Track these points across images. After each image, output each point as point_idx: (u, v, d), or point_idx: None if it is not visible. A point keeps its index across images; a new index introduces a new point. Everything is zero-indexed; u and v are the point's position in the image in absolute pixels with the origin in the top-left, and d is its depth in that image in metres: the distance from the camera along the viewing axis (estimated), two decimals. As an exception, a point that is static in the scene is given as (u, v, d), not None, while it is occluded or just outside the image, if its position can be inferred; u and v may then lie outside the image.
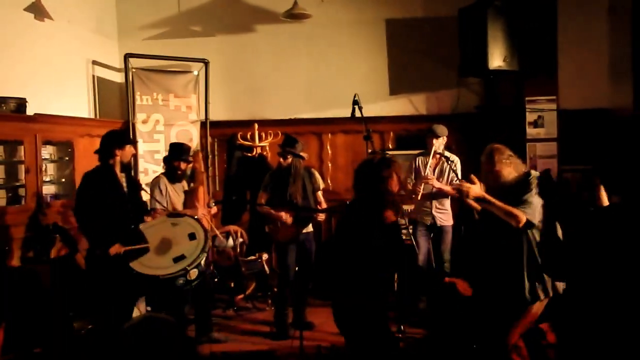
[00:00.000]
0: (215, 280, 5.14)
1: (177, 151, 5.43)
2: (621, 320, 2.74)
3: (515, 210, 3.59)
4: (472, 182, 3.75)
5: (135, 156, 6.75)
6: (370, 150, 5.38)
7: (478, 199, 3.73)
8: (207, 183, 6.47)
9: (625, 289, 2.75)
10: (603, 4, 6.23)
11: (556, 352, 4.15)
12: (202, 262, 4.77)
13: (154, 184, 5.39)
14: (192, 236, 4.83)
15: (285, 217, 5.35)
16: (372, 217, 3.39)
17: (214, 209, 5.65)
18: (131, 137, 5.03)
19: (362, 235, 3.39)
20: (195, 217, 5.03)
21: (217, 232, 6.19)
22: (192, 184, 5.55)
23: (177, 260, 4.66)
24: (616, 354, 2.74)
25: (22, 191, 5.68)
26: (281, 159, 5.44)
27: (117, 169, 4.76)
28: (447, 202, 5.76)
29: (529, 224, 3.58)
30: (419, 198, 5.55)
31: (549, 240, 3.32)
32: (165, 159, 5.50)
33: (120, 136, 4.91)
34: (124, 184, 4.81)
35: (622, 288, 2.76)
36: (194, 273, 4.71)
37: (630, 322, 2.71)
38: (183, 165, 5.38)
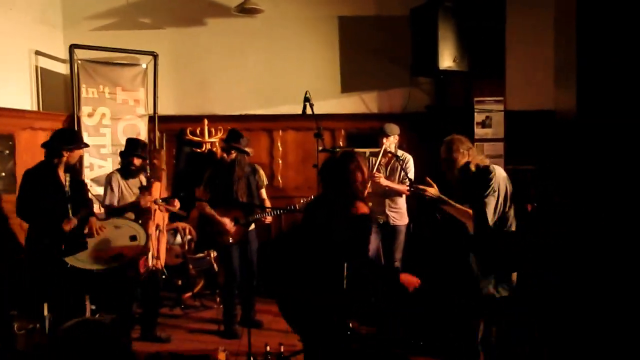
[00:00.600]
0: (164, 277, 5.08)
1: (130, 146, 5.32)
2: (578, 311, 2.82)
3: (466, 209, 3.68)
4: (429, 184, 3.84)
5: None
6: (320, 148, 5.38)
7: (435, 200, 3.81)
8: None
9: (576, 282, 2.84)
10: (550, 8, 6.37)
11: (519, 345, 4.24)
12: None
13: (107, 180, 5.28)
14: (133, 238, 4.83)
15: (230, 225, 5.28)
16: (337, 210, 3.39)
17: (177, 204, 5.47)
18: (82, 139, 4.91)
19: (325, 230, 3.38)
20: (144, 207, 4.97)
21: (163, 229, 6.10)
22: (152, 180, 5.44)
23: (115, 259, 4.70)
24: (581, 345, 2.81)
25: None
26: (224, 154, 5.35)
27: (61, 169, 4.65)
28: (401, 201, 5.78)
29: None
30: (364, 195, 5.55)
31: (499, 235, 3.40)
32: (120, 154, 5.40)
33: (71, 138, 4.76)
34: (67, 184, 4.67)
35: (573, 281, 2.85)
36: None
37: (586, 313, 2.79)
38: (137, 161, 5.26)
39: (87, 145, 5.12)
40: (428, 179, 3.90)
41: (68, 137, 4.72)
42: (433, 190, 3.83)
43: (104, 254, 4.72)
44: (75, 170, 4.88)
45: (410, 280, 3.48)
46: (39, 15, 6.81)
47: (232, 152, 5.28)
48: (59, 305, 4.67)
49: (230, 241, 5.25)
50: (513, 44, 6.48)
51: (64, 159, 4.61)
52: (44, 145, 4.65)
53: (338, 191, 3.48)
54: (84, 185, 5.18)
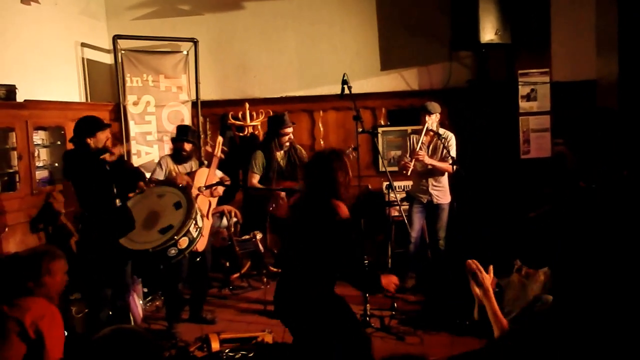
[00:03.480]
0: (197, 259, 5.17)
1: (178, 132, 5.50)
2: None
3: (505, 323, 2.86)
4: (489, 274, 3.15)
5: (127, 138, 6.79)
6: (360, 130, 5.39)
7: (481, 288, 3.11)
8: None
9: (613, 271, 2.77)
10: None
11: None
12: (192, 229, 4.69)
13: (158, 161, 5.54)
14: (177, 205, 4.82)
15: (283, 195, 5.44)
16: (321, 215, 3.35)
17: (219, 191, 5.58)
18: (101, 121, 4.95)
19: (311, 234, 3.37)
20: (181, 185, 5.05)
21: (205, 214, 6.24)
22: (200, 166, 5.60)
23: (164, 231, 4.65)
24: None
25: (16, 177, 5.70)
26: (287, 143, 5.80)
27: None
28: (444, 179, 5.79)
29: None
30: (409, 174, 5.57)
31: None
32: (172, 140, 5.60)
33: (90, 124, 4.80)
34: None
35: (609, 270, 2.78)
36: (184, 242, 4.66)
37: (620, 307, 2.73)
38: (187, 146, 5.40)
39: (109, 126, 5.05)
40: (491, 268, 2.89)
41: (86, 125, 4.78)
42: (488, 280, 2.83)
43: (154, 227, 4.73)
44: (108, 150, 4.93)
45: (389, 282, 3.43)
46: (83, 8, 6.99)
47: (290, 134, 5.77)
48: (111, 288, 4.88)
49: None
50: (556, 13, 6.30)
51: (92, 145, 4.74)
52: (70, 141, 4.83)
53: (318, 188, 3.41)
54: (123, 160, 5.23)
